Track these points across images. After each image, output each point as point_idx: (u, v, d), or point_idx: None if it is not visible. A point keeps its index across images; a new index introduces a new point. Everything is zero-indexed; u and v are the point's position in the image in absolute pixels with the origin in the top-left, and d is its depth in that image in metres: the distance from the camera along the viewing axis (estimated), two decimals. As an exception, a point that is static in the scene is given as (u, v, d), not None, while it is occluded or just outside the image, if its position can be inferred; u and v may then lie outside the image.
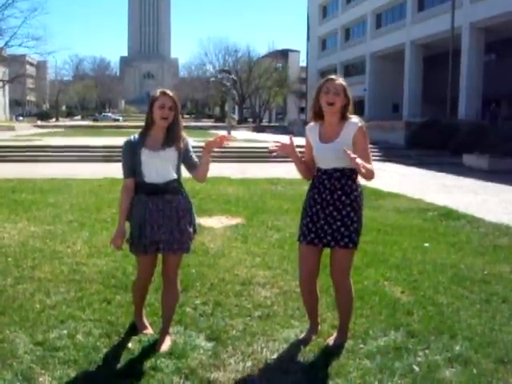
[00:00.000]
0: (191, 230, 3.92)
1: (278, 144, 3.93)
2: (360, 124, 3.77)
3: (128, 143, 3.77)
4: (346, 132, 3.77)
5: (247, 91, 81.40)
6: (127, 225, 3.92)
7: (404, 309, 4.73)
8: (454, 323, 4.42)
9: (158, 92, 3.73)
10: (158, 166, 3.72)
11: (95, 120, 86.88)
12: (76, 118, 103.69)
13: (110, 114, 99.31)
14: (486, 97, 35.45)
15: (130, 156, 3.73)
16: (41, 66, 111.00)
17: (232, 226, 8.37)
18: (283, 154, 3.97)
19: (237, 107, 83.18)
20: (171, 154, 3.75)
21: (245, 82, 79.56)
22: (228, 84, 43.33)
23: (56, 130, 50.30)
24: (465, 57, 35.94)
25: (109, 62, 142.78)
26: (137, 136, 3.78)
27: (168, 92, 3.71)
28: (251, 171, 17.82)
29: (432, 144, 25.78)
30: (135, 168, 3.73)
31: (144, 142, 3.73)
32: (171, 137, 3.73)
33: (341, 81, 3.81)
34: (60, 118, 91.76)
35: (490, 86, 35.41)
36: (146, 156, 3.70)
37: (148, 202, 3.76)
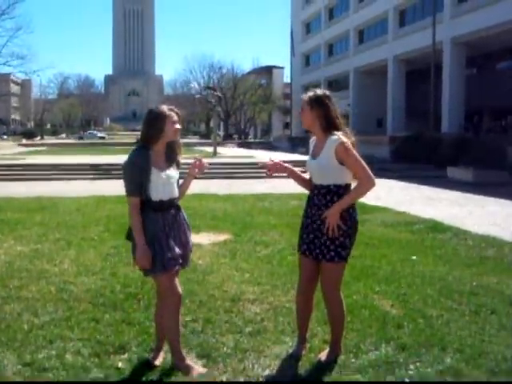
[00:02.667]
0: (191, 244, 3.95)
1: (268, 165, 3.98)
2: (340, 140, 3.70)
3: (135, 161, 3.62)
4: (326, 149, 3.77)
5: (232, 108, 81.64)
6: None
7: (394, 322, 4.74)
8: (444, 335, 4.44)
9: (165, 108, 3.71)
10: (165, 185, 3.70)
11: (80, 138, 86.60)
12: (61, 136, 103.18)
13: (95, 132, 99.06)
14: (469, 110, 35.87)
15: (139, 174, 3.60)
16: (25, 85, 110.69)
17: (220, 242, 8.36)
18: (277, 173, 4.02)
19: (222, 123, 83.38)
20: (174, 172, 3.77)
21: (230, 98, 79.80)
22: (213, 101, 43.40)
23: (41, 148, 50.07)
24: (446, 71, 36.36)
25: (93, 79, 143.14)
26: (140, 152, 3.66)
27: (176, 110, 3.74)
28: (238, 187, 17.82)
29: (416, 157, 26.01)
30: (142, 186, 3.62)
31: (150, 159, 3.64)
32: (173, 154, 3.77)
33: (306, 95, 3.85)
34: (45, 137, 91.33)
35: (472, 100, 35.84)
36: (155, 175, 3.63)
37: (157, 218, 3.68)
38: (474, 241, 8.67)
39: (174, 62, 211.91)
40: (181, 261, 3.78)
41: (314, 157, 3.89)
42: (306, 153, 4.01)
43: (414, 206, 13.36)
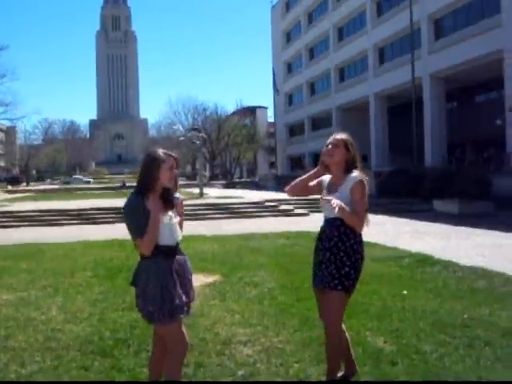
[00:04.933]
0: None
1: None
2: (359, 177, 3.89)
3: (138, 204, 3.51)
4: (345, 186, 3.92)
5: (217, 148, 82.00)
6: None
7: (388, 359, 4.68)
8: (439, 371, 4.39)
9: (161, 153, 3.59)
10: (170, 229, 3.60)
11: (66, 183, 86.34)
12: (47, 181, 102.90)
13: (80, 177, 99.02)
14: (452, 142, 36.33)
15: (143, 217, 3.46)
16: (10, 131, 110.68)
17: (209, 283, 8.29)
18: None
19: (208, 164, 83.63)
20: (174, 215, 3.65)
21: (215, 139, 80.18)
22: (198, 142, 43.59)
23: (27, 194, 49.79)
24: (427, 106, 36.95)
25: (78, 124, 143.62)
26: (136, 197, 3.56)
27: (174, 154, 3.65)
28: (225, 227, 17.79)
29: (402, 192, 26.19)
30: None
31: (146, 204, 3.53)
32: (171, 199, 3.65)
33: (341, 135, 4.04)
34: (31, 183, 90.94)
35: (454, 133, 36.35)
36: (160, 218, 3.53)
37: (166, 264, 3.57)
38: (463, 273, 8.68)
39: (158, 104, 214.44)
40: (186, 308, 3.66)
41: (329, 192, 4.01)
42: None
43: (402, 240, 13.38)
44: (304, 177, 4.16)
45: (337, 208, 3.70)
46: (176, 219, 3.67)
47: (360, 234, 4.00)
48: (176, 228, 3.66)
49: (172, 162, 3.60)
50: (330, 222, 4.00)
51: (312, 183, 4.16)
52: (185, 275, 3.69)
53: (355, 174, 3.93)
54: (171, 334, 3.62)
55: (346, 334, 4.16)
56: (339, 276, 3.89)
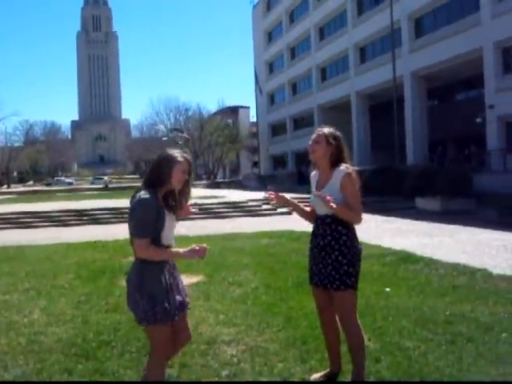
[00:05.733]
0: None
1: (272, 195, 4.13)
2: (347, 170, 3.90)
3: (153, 201, 3.39)
4: (333, 180, 3.94)
5: (200, 148, 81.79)
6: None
7: (372, 356, 4.70)
8: (422, 367, 4.42)
9: (178, 154, 3.52)
10: (172, 230, 3.59)
11: (48, 185, 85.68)
12: (28, 183, 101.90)
13: (62, 178, 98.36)
14: (433, 140, 36.59)
15: (156, 215, 3.39)
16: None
17: (193, 284, 8.28)
18: (279, 203, 4.20)
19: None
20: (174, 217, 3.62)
21: (197, 139, 79.99)
22: (180, 142, 43.53)
23: (8, 196, 49.29)
24: (408, 104, 37.19)
25: (60, 125, 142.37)
26: (150, 192, 3.43)
27: (189, 158, 3.58)
28: (207, 228, 17.75)
29: (384, 190, 26.29)
30: (157, 228, 3.42)
31: (159, 200, 3.47)
32: (175, 203, 3.60)
33: (323, 130, 4.08)
34: (12, 185, 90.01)
35: (435, 130, 36.63)
36: (167, 218, 3.48)
37: (167, 263, 3.56)
38: (445, 270, 8.75)
39: (140, 105, 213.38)
40: (186, 309, 3.68)
41: (318, 188, 4.02)
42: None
43: (385, 238, 13.45)
44: (297, 212, 4.31)
45: (327, 198, 3.74)
46: (175, 223, 3.66)
47: (353, 228, 4.02)
48: (173, 231, 3.66)
49: (186, 166, 3.52)
50: (321, 219, 4.01)
51: (308, 207, 4.26)
52: (178, 275, 3.71)
53: (342, 167, 3.94)
54: (162, 335, 3.52)
55: (340, 330, 4.17)
56: (339, 276, 3.91)
